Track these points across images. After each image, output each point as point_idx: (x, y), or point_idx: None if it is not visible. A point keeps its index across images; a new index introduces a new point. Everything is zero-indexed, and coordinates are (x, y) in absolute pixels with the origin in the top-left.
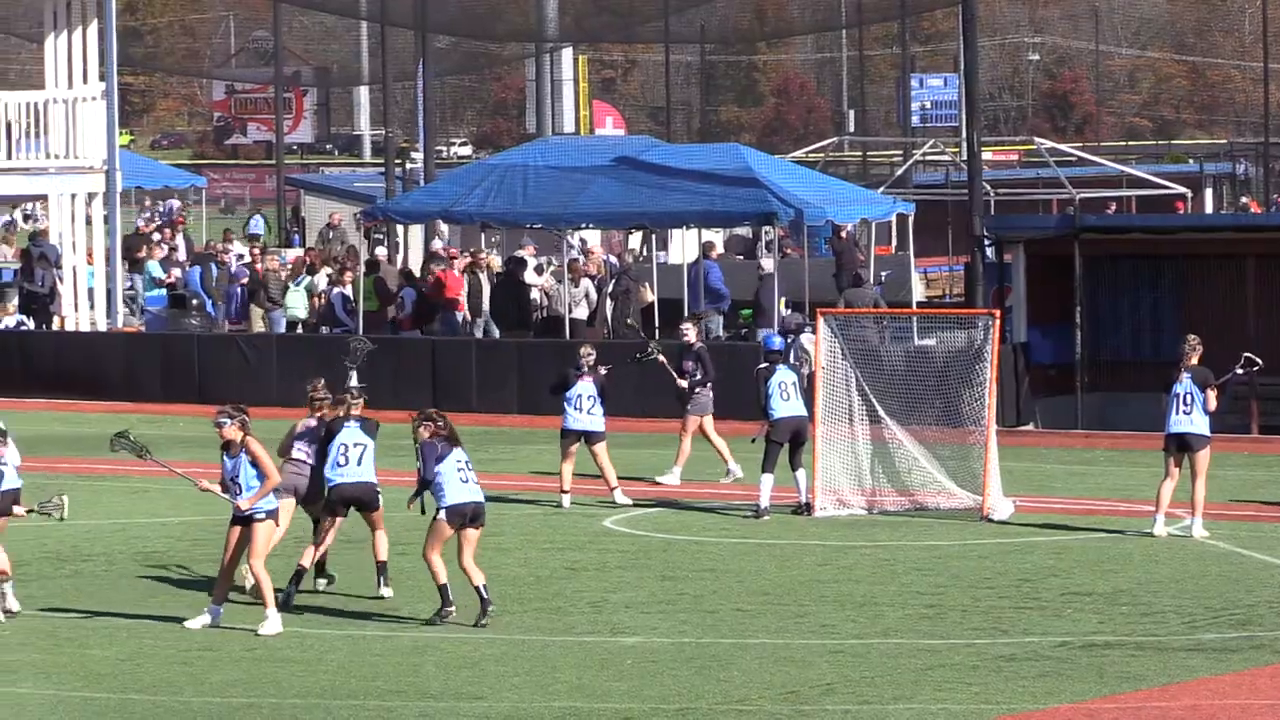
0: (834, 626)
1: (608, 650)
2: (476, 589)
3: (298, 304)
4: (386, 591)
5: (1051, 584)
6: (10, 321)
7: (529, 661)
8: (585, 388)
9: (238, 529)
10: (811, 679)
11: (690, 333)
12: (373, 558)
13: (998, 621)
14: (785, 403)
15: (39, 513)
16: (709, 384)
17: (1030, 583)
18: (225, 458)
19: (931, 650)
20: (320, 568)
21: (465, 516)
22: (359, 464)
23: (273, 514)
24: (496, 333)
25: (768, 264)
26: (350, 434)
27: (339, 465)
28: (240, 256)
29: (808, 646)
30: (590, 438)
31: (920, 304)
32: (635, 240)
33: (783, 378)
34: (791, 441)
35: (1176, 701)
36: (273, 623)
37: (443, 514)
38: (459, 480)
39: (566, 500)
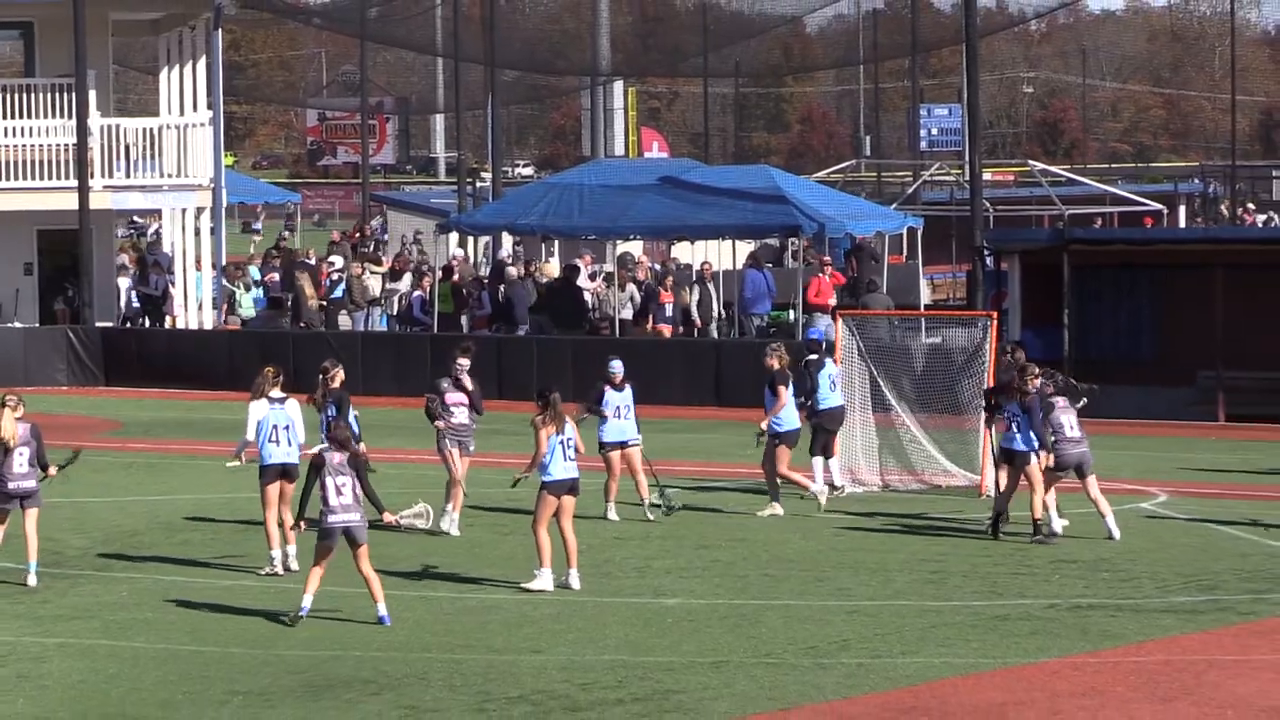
0: (850, 589)
1: (651, 610)
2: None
3: (248, 304)
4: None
5: (1041, 553)
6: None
7: (582, 619)
8: (622, 398)
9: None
10: (830, 635)
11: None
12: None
13: (994, 586)
14: (833, 393)
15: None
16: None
17: (1022, 552)
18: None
19: (935, 610)
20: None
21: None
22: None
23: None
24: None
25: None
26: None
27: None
28: (331, 264)
29: (826, 607)
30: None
31: (927, 306)
32: (677, 249)
33: (831, 370)
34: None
35: (1151, 656)
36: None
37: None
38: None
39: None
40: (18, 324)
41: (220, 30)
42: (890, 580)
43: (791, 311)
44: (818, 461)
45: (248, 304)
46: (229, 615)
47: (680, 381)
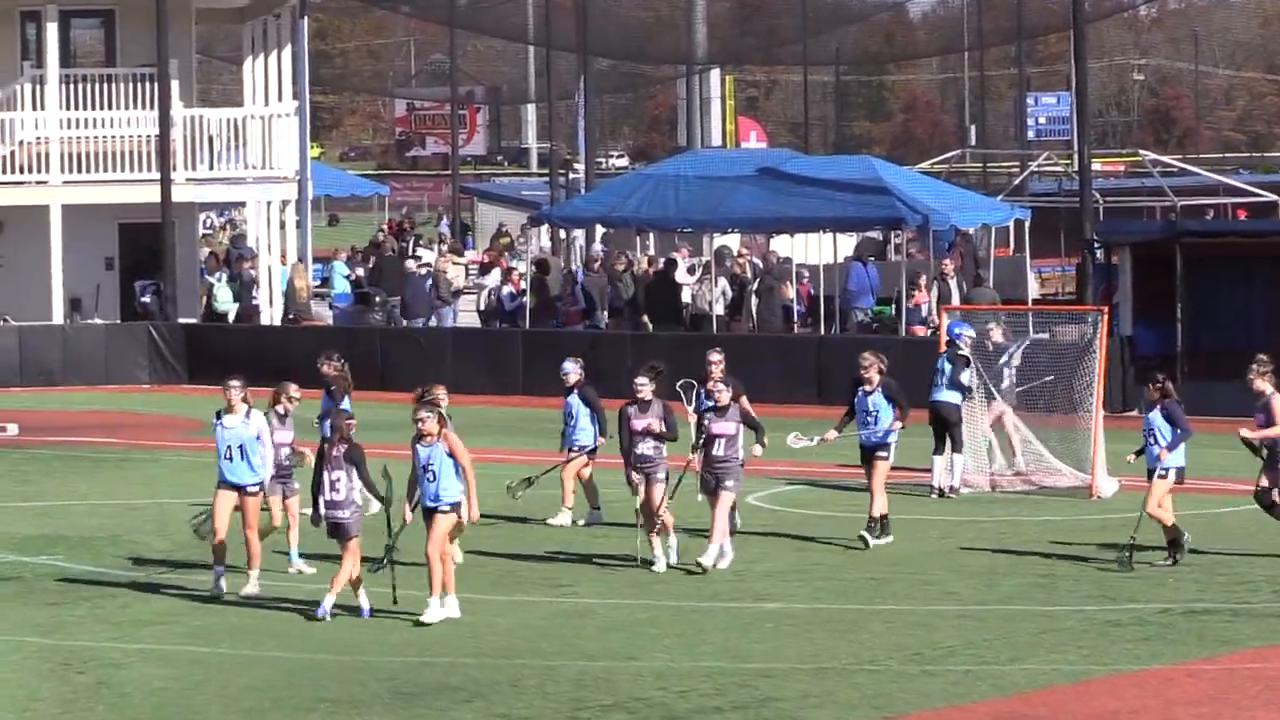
0: (956, 593)
1: (750, 615)
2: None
3: (225, 299)
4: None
5: (1154, 556)
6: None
7: (678, 625)
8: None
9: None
10: (936, 641)
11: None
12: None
13: (1105, 590)
14: (946, 389)
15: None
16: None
17: (1135, 555)
18: (419, 447)
19: (1045, 615)
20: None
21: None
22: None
23: (455, 507)
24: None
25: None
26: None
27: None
28: (418, 258)
29: (932, 612)
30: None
31: (1035, 301)
32: (777, 243)
33: (954, 366)
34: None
35: (1270, 663)
36: (432, 611)
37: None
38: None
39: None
40: (98, 320)
41: (306, 18)
42: (998, 584)
43: (894, 307)
44: (938, 460)
45: (225, 298)
46: (316, 620)
47: (779, 378)
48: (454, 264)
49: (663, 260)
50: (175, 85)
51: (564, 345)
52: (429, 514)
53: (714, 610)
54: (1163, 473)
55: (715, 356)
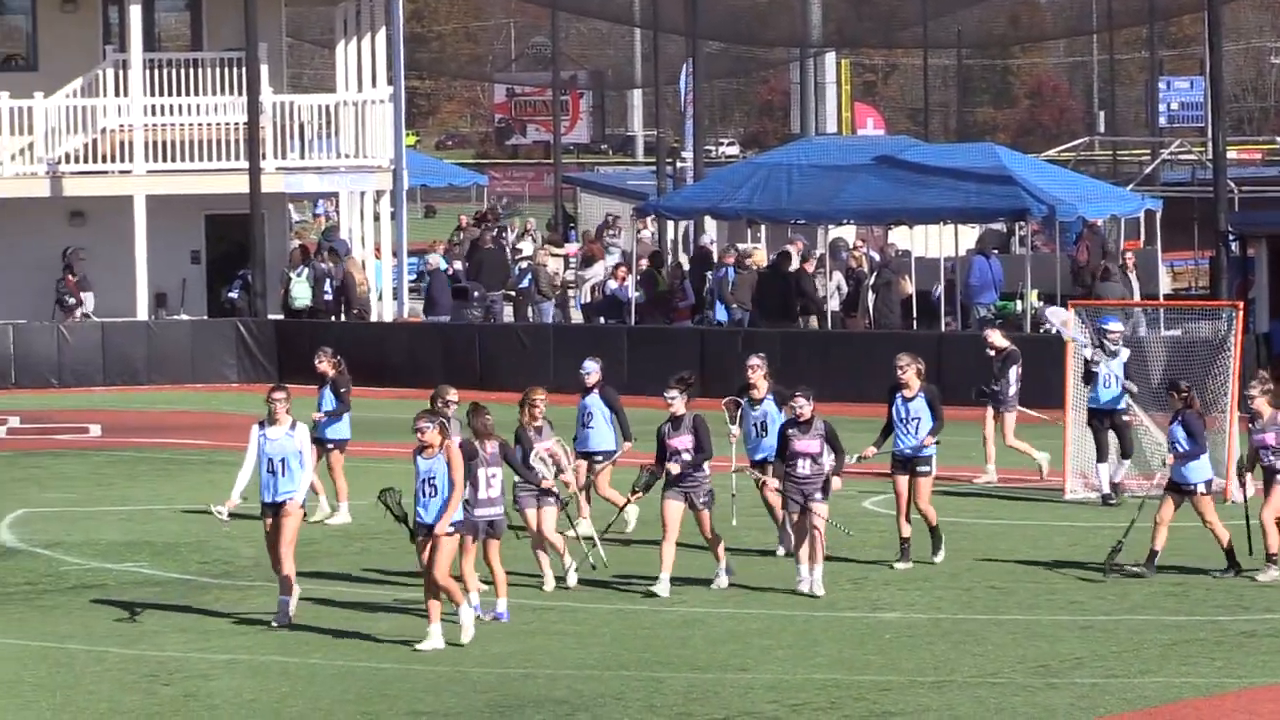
0: (1083, 603)
1: (867, 625)
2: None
3: (303, 294)
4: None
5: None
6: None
7: (792, 635)
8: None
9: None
10: (1061, 653)
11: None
12: None
13: (1239, 599)
14: (1106, 389)
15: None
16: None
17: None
18: (420, 459)
19: (1176, 626)
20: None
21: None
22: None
23: (458, 527)
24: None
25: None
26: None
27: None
28: (518, 251)
29: (1057, 622)
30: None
31: (1167, 296)
32: (895, 234)
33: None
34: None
35: None
36: (434, 639)
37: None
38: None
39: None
40: (184, 316)
41: None
42: (1127, 593)
43: (1019, 302)
44: (1102, 468)
45: (301, 293)
46: (411, 630)
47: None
48: (553, 255)
49: (775, 253)
50: (264, 70)
51: (672, 341)
52: (427, 533)
53: (829, 620)
54: (1203, 490)
55: (755, 361)
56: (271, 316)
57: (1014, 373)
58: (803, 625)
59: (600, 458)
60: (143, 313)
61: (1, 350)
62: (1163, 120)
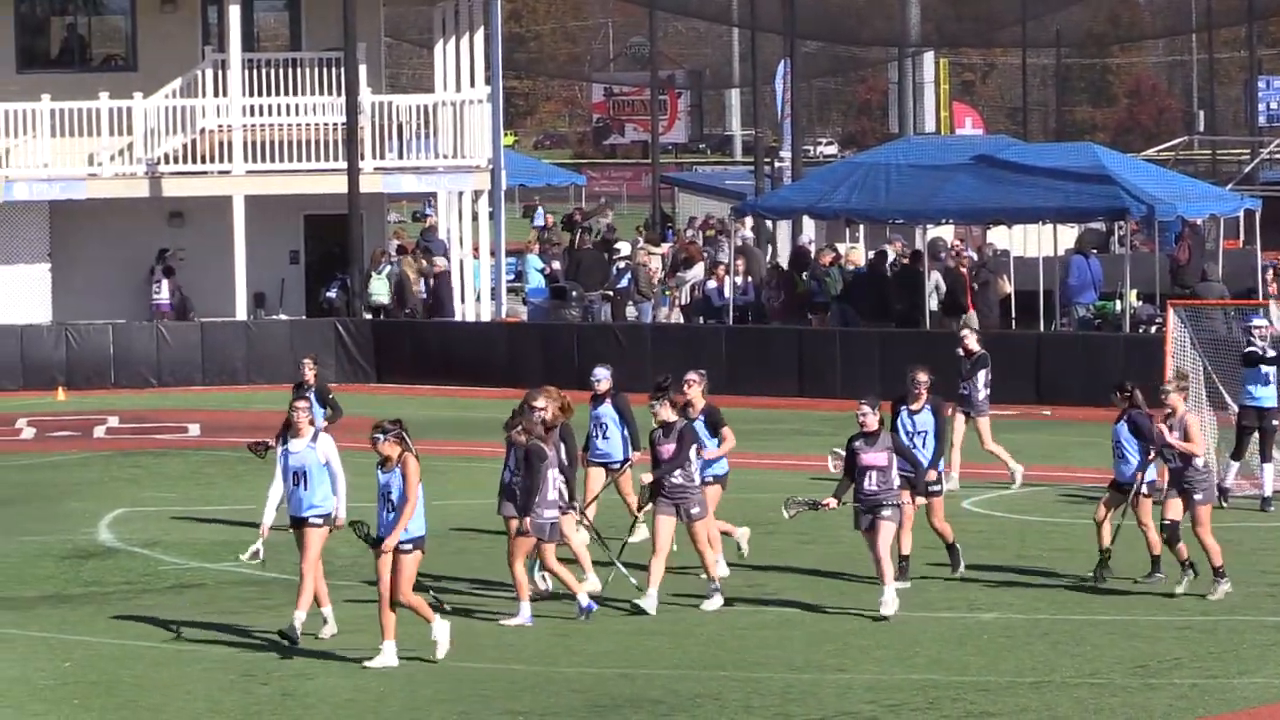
0: (1181, 603)
1: (965, 625)
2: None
3: (381, 291)
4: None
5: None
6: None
7: (889, 636)
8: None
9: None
10: (1160, 654)
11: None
12: None
13: None
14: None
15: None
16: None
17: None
18: (379, 472)
19: (1276, 627)
20: None
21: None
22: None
23: (418, 543)
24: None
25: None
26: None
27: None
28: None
29: (1155, 623)
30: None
31: (1267, 296)
32: (994, 234)
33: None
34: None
35: None
36: (385, 657)
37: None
38: None
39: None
40: (283, 316)
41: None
42: (1225, 594)
43: (1119, 302)
44: (1267, 469)
45: (380, 290)
46: (507, 629)
47: (996, 377)
48: (650, 253)
49: (872, 253)
50: (363, 70)
51: (771, 342)
52: (376, 545)
53: (927, 620)
54: (1145, 491)
55: (693, 376)
56: (369, 316)
57: (983, 376)
58: (900, 626)
59: (618, 466)
60: (241, 313)
61: (101, 350)
62: (1262, 119)
